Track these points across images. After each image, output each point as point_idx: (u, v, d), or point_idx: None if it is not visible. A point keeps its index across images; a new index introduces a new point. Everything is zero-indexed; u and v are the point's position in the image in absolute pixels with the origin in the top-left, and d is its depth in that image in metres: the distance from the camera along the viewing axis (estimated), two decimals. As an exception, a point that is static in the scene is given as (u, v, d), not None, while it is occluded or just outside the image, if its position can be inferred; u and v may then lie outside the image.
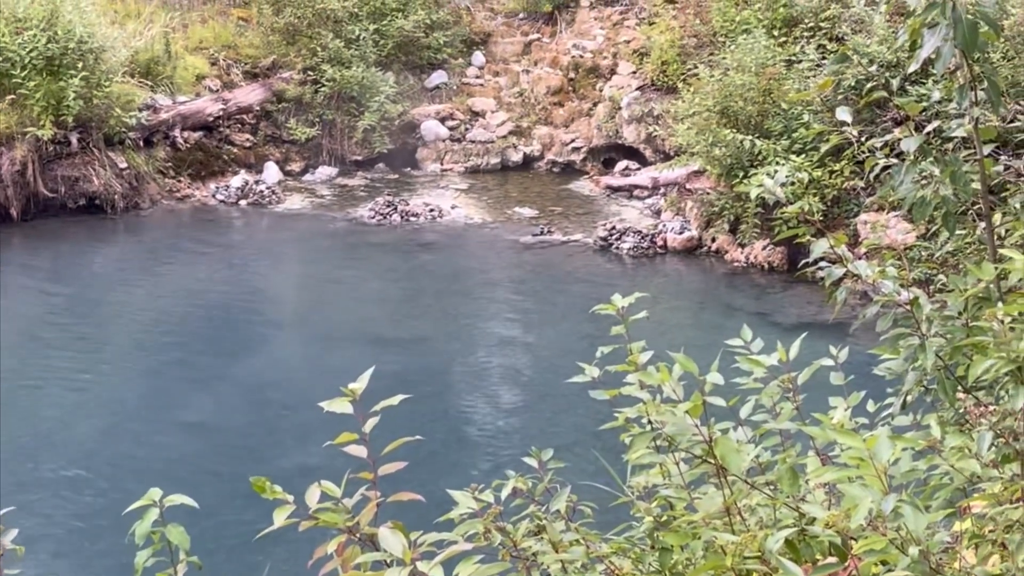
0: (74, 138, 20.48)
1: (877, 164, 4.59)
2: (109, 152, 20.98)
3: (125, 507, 3.52)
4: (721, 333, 4.53)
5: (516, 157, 24.22)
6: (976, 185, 4.40)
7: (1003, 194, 4.96)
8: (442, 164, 24.06)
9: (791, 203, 4.16)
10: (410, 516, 3.39)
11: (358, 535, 3.33)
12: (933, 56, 4.06)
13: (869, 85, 4.77)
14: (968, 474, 3.51)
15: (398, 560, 3.15)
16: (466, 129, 24.52)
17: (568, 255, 19.40)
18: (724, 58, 19.65)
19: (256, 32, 24.65)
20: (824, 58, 18.85)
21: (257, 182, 22.37)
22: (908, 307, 4.03)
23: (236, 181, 22.26)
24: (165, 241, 20.19)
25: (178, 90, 22.72)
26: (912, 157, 4.35)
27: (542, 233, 20.19)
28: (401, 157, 24.11)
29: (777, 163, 17.80)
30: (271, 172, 22.85)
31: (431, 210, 21.28)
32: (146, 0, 24.59)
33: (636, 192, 22.05)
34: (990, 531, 3.39)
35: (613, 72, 24.61)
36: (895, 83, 4.73)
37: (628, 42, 24.84)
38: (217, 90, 23.32)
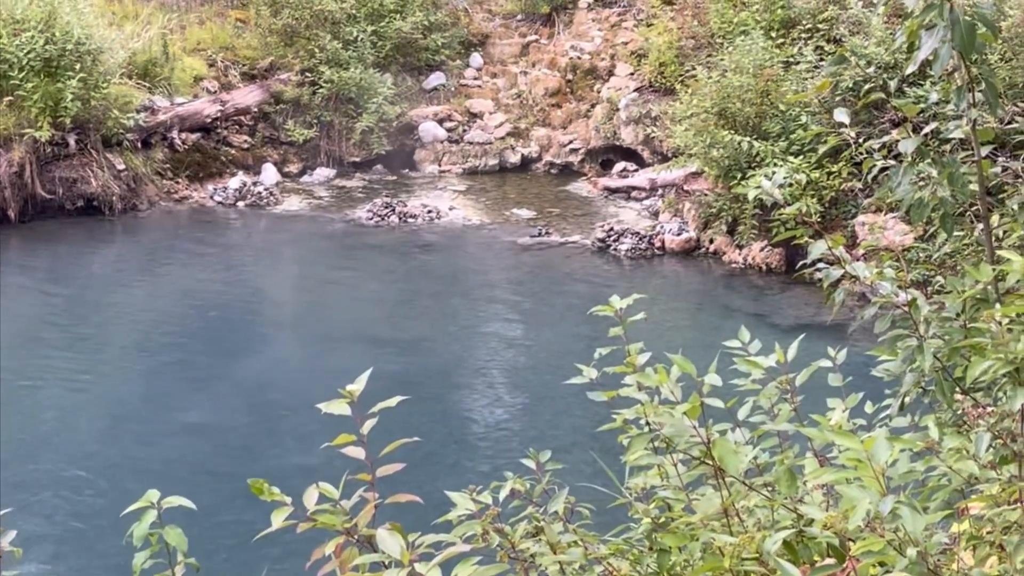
0: (72, 139, 20.48)
1: (875, 165, 4.59)
2: (107, 153, 20.98)
3: (124, 507, 3.52)
4: (719, 334, 4.53)
5: (514, 158, 24.23)
6: (974, 187, 4.40)
7: (1001, 196, 4.96)
8: (440, 165, 24.07)
9: (789, 204, 4.16)
10: (408, 517, 3.39)
11: (356, 536, 3.32)
12: (931, 58, 4.07)
13: (867, 87, 4.77)
14: (966, 475, 3.51)
15: (396, 561, 3.15)
16: (464, 130, 24.52)
17: (566, 256, 19.40)
18: (722, 59, 19.66)
19: (254, 33, 24.65)
20: (822, 59, 18.85)
21: (255, 183, 22.38)
22: (906, 308, 4.03)
23: (234, 182, 22.26)
24: (163, 242, 20.19)
25: (176, 91, 22.72)
26: (910, 158, 4.35)
27: (540, 234, 20.19)
28: (399, 158, 24.12)
29: (775, 164, 17.80)
30: (269, 173, 22.86)
31: (429, 211, 21.29)
32: (144, 2, 24.60)
33: (634, 193, 22.06)
34: (988, 532, 3.39)
35: (611, 73, 24.63)
36: (893, 85, 4.73)
37: (626, 43, 24.85)
38: (215, 91, 23.32)
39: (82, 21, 20.59)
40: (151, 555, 3.49)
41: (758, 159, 18.22)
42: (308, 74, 23.63)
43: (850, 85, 17.02)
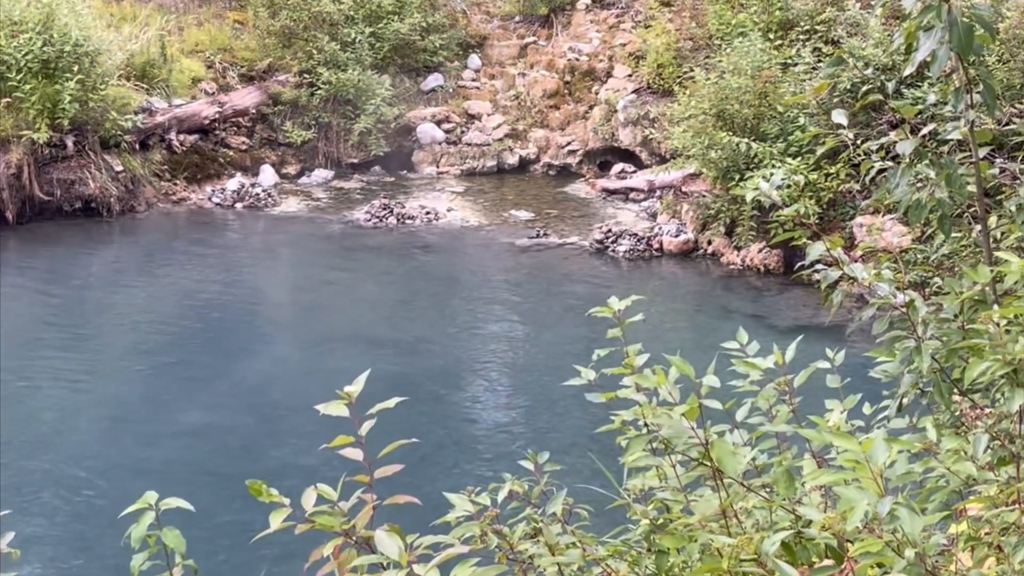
0: (70, 141, 20.47)
1: (873, 167, 4.59)
2: (105, 155, 20.97)
3: (123, 508, 3.52)
4: (717, 335, 4.54)
5: (512, 160, 24.24)
6: (972, 188, 4.40)
7: (998, 197, 4.97)
8: (438, 167, 24.08)
9: (787, 206, 4.16)
10: (406, 519, 3.39)
11: (355, 538, 3.33)
12: (929, 59, 4.07)
13: (865, 88, 4.78)
14: (964, 476, 3.51)
15: (394, 563, 3.15)
16: (462, 132, 24.53)
17: (564, 258, 19.41)
18: (720, 61, 19.67)
19: (252, 35, 24.65)
20: (820, 61, 18.86)
21: (253, 185, 22.38)
22: (904, 310, 4.04)
23: (232, 184, 22.27)
24: (161, 244, 20.19)
25: (174, 93, 22.73)
26: (908, 160, 4.35)
27: (538, 236, 20.20)
28: (397, 160, 24.13)
29: (773, 166, 17.82)
30: (267, 175, 22.86)
31: (427, 213, 21.29)
32: (142, 3, 24.60)
33: (632, 195, 22.07)
34: (986, 533, 3.40)
35: (609, 75, 24.64)
36: (891, 86, 4.73)
37: (624, 45, 24.86)
38: (213, 93, 23.32)
39: (80, 23, 20.59)
40: (149, 556, 3.49)
41: (756, 160, 18.23)
42: (306, 75, 23.64)
43: (848, 87, 17.04)
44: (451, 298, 18.01)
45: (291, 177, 23.32)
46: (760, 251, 18.51)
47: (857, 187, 17.67)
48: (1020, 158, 5.43)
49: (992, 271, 4.05)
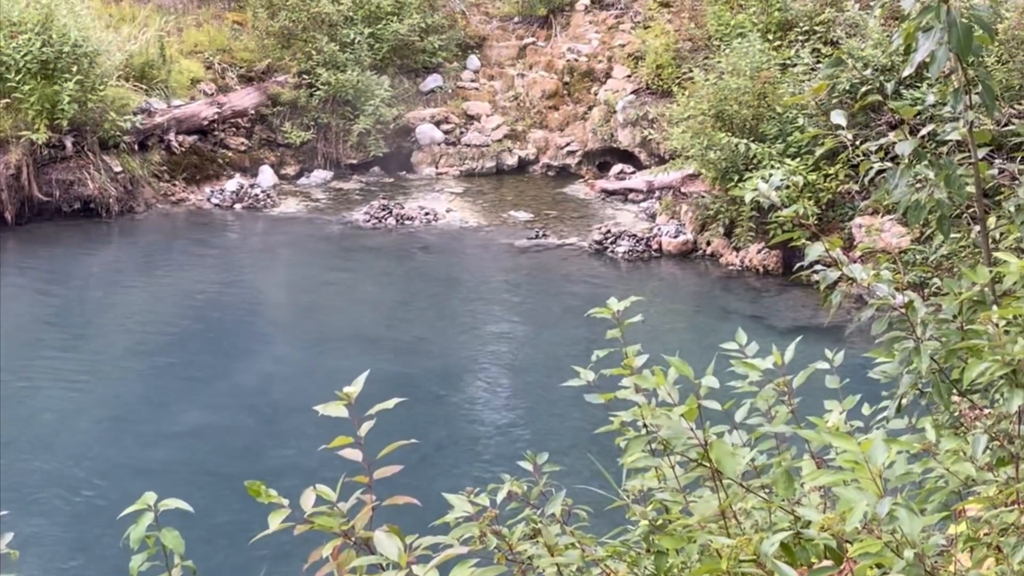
0: (69, 142, 20.47)
1: (872, 168, 4.59)
2: (104, 156, 20.97)
3: (122, 508, 3.52)
4: (716, 336, 4.54)
5: (511, 161, 24.25)
6: (971, 189, 4.40)
7: (997, 198, 4.97)
8: (437, 168, 24.08)
9: (786, 207, 4.16)
10: (406, 520, 3.39)
11: (354, 539, 3.32)
12: (928, 60, 4.07)
13: (864, 89, 4.78)
14: (963, 477, 3.51)
15: (394, 564, 3.15)
16: (461, 133, 24.54)
17: (563, 259, 19.41)
18: (719, 62, 19.67)
19: (251, 36, 24.66)
20: (819, 62, 18.87)
21: (252, 186, 22.38)
22: (903, 310, 4.04)
23: (231, 185, 22.27)
24: (160, 245, 20.19)
25: (173, 94, 22.73)
26: (907, 161, 4.36)
27: (537, 237, 20.20)
28: (396, 161, 24.13)
29: (772, 167, 17.82)
30: (266, 176, 22.86)
31: (426, 214, 21.30)
32: (141, 4, 24.60)
33: (631, 196, 22.08)
34: (985, 534, 3.40)
35: (608, 76, 24.65)
36: (890, 87, 4.74)
37: (623, 46, 24.87)
38: (212, 94, 23.32)
39: (79, 23, 20.59)
40: (148, 557, 3.49)
41: (755, 161, 18.23)
42: (305, 76, 23.64)
43: (847, 87, 17.04)
44: (450, 299, 18.01)
45: (290, 178, 23.33)
46: (759, 252, 18.51)
47: (856, 188, 17.68)
48: (1019, 159, 5.43)
49: (991, 272, 4.05)
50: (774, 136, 18.57)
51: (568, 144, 24.30)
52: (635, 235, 19.76)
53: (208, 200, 21.97)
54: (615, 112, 23.41)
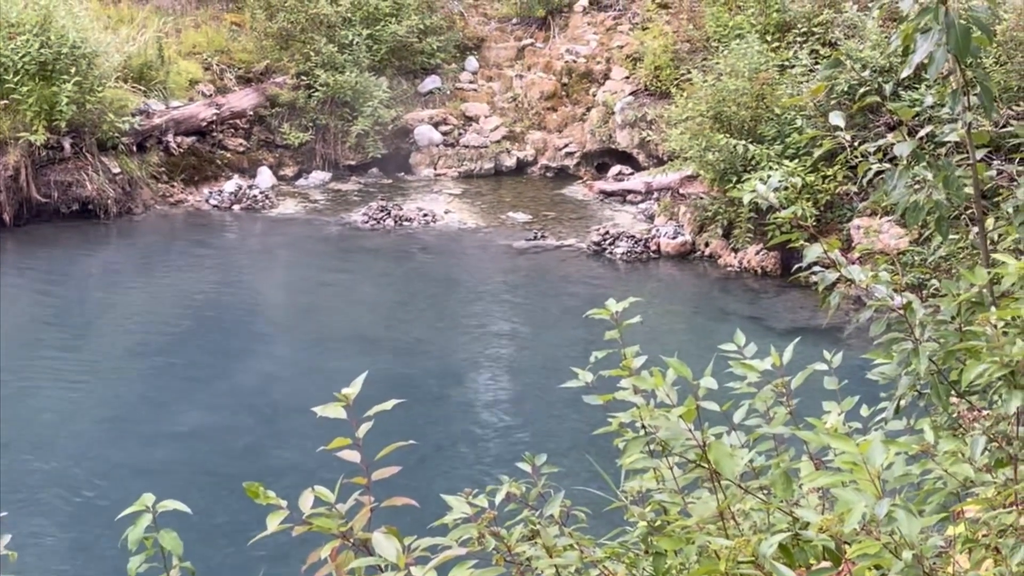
0: (67, 143, 20.46)
1: (870, 169, 4.60)
2: (102, 157, 20.96)
3: (121, 509, 3.52)
4: (715, 337, 4.54)
5: (510, 162, 24.25)
6: (969, 190, 4.40)
7: (996, 199, 4.97)
8: (436, 169, 24.08)
9: (784, 208, 4.16)
10: (404, 521, 3.39)
11: (352, 540, 3.32)
12: (926, 61, 4.07)
13: (862, 90, 4.78)
14: (962, 478, 3.51)
15: (392, 565, 3.15)
16: (460, 134, 24.54)
17: (561, 260, 19.41)
18: (717, 63, 19.67)
19: (249, 37, 24.65)
20: (817, 63, 18.87)
21: (250, 187, 22.38)
22: (901, 312, 4.04)
23: (229, 186, 22.26)
24: (159, 246, 20.18)
25: (171, 95, 22.72)
26: (905, 162, 4.36)
27: (535, 238, 20.20)
28: (395, 162, 24.13)
29: (770, 168, 17.82)
30: (264, 177, 22.86)
31: (425, 215, 21.29)
32: (139, 5, 24.60)
33: (629, 197, 22.08)
34: (984, 535, 3.40)
35: (606, 77, 24.65)
36: (888, 88, 4.74)
37: (621, 47, 24.87)
38: (210, 95, 23.32)
39: (77, 25, 20.58)
40: (147, 558, 3.49)
41: (753, 163, 18.23)
42: (303, 77, 23.63)
43: (845, 89, 17.04)
44: (449, 300, 18.01)
45: (289, 179, 23.32)
46: (757, 253, 18.51)
47: (854, 189, 17.68)
48: (1017, 160, 5.44)
49: (989, 273, 4.05)
50: (772, 137, 18.58)
51: (566, 145, 24.30)
52: (633, 236, 19.76)
53: (206, 201, 21.96)
54: (613, 113, 23.42)
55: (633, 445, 3.61)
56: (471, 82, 25.90)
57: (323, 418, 3.46)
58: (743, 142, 18.29)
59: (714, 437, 3.51)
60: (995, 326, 3.66)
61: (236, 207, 21.80)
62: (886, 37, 17.64)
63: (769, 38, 20.40)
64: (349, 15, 24.12)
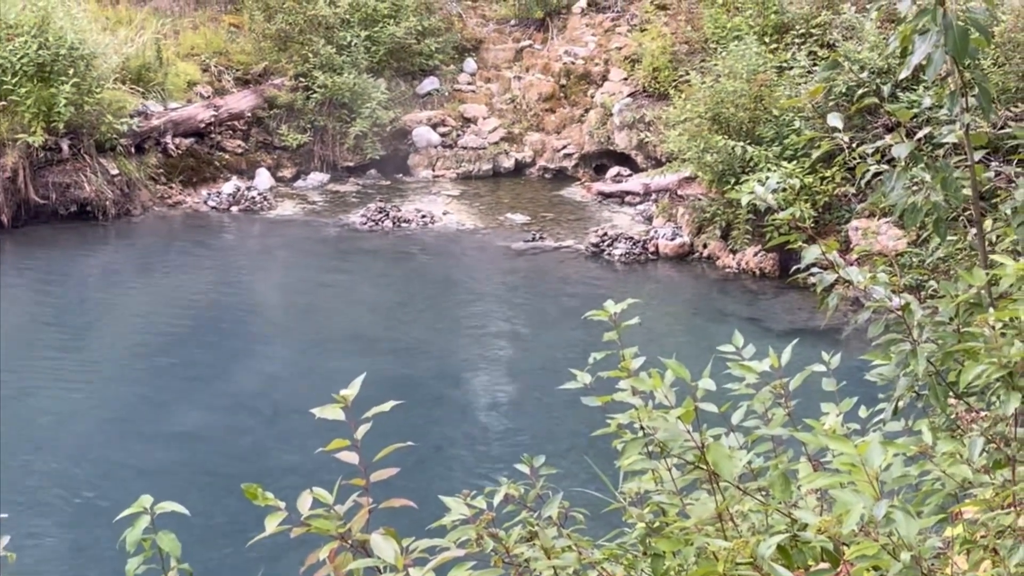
0: (65, 144, 20.46)
1: (868, 170, 4.60)
2: (100, 159, 20.95)
3: (121, 510, 3.52)
4: (713, 339, 4.54)
5: (508, 163, 24.25)
6: (967, 191, 4.41)
7: (994, 200, 4.97)
8: (434, 170, 24.08)
9: (782, 209, 4.17)
10: (402, 522, 3.39)
11: (350, 541, 3.32)
12: (924, 62, 4.07)
13: (860, 91, 4.79)
14: (960, 479, 3.51)
15: (390, 566, 3.15)
16: (458, 135, 24.54)
17: (560, 261, 19.42)
18: (715, 64, 19.68)
19: (248, 38, 24.65)
20: (815, 64, 18.89)
21: (249, 188, 22.38)
22: (900, 313, 4.04)
23: (228, 187, 22.26)
24: (157, 247, 20.18)
25: (169, 96, 22.72)
26: (903, 163, 4.36)
27: (534, 239, 20.20)
28: (393, 163, 24.13)
29: (768, 169, 17.83)
30: (263, 178, 22.86)
31: (423, 216, 21.30)
32: (137, 6, 24.60)
33: (628, 198, 22.09)
34: (982, 536, 3.40)
35: (605, 78, 24.65)
36: (886, 89, 4.74)
37: (620, 49, 24.88)
38: (208, 96, 23.32)
39: (75, 26, 20.59)
40: (145, 560, 3.49)
41: (752, 164, 18.24)
42: (302, 79, 23.63)
43: (843, 90, 17.04)
44: (447, 301, 18.01)
45: (287, 180, 23.32)
46: (756, 255, 18.52)
47: (852, 190, 17.69)
48: (1015, 161, 5.44)
49: (987, 274, 4.05)
50: (771, 139, 18.58)
51: (565, 147, 24.31)
52: (632, 238, 19.76)
53: (205, 203, 21.96)
54: (612, 115, 23.42)
55: (632, 446, 3.61)
56: (469, 84, 25.90)
57: (322, 419, 3.46)
58: (741, 143, 18.29)
59: (712, 438, 3.51)
60: (993, 327, 3.66)
61: (234, 208, 21.81)
62: (884, 39, 17.65)
63: (767, 40, 20.42)
64: (347, 16, 24.12)
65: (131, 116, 21.41)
